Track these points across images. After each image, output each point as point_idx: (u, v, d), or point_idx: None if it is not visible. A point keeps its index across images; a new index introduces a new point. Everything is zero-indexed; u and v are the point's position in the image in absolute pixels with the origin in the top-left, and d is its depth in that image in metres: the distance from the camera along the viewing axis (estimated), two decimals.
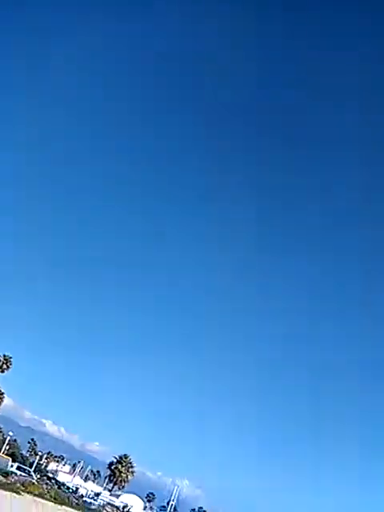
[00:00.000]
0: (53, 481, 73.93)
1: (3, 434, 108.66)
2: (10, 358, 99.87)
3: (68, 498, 45.33)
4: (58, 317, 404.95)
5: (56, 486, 49.79)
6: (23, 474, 46.80)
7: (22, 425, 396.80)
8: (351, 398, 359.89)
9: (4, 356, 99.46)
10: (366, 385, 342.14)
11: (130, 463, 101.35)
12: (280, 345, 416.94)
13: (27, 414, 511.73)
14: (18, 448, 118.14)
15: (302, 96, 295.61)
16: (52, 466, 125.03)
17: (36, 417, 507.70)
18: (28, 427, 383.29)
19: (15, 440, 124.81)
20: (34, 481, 41.72)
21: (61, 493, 45.86)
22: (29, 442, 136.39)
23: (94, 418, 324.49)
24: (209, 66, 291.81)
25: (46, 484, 44.94)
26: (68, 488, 70.60)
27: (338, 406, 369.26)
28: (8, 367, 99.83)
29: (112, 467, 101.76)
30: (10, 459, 54.28)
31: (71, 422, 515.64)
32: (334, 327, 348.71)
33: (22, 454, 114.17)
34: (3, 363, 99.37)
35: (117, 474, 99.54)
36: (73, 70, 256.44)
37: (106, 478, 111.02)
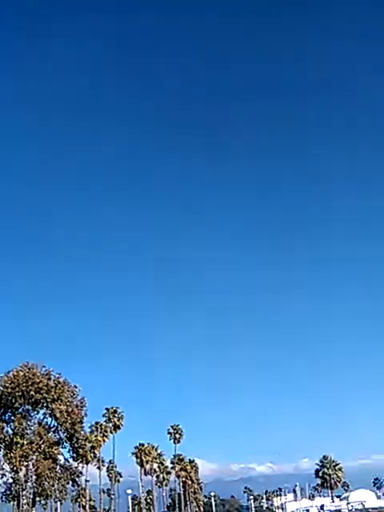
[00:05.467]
0: None
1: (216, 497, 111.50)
2: (178, 425, 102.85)
3: None
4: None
5: None
6: None
7: (235, 479, 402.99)
8: None
9: (173, 426, 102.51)
10: None
11: (334, 461, 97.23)
12: None
13: (235, 467, 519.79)
14: (237, 502, 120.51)
15: None
16: (276, 501, 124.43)
17: (242, 465, 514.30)
18: (240, 479, 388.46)
19: (232, 496, 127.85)
20: None
21: None
22: (244, 491, 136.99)
23: (288, 441, 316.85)
24: None
25: None
26: None
27: None
28: (181, 436, 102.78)
29: (319, 474, 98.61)
30: None
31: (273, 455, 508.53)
32: None
33: (241, 505, 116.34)
34: (175, 433, 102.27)
35: (327, 478, 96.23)
36: None
37: (317, 486, 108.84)
